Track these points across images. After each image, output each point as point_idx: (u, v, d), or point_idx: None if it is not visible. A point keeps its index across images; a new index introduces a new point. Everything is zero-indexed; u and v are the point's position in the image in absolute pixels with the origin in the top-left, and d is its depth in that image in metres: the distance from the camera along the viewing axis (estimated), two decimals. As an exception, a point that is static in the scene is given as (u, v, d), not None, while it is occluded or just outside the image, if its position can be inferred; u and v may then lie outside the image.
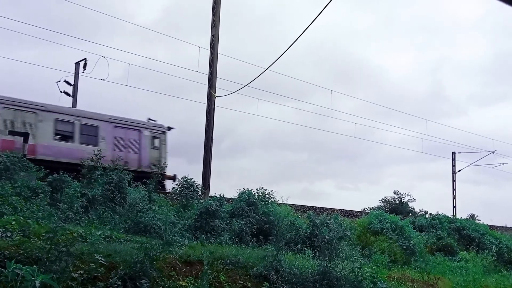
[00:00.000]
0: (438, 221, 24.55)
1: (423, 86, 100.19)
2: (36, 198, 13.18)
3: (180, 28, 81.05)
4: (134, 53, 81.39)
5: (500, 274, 19.27)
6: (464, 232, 23.78)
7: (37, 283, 5.21)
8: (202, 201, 16.70)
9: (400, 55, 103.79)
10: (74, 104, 29.38)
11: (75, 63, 30.22)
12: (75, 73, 30.19)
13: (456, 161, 52.20)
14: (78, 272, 8.37)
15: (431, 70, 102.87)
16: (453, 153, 52.19)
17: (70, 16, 74.29)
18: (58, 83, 30.10)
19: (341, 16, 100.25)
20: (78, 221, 12.36)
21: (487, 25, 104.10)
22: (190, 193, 17.37)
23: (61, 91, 30.24)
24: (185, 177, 17.96)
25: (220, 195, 16.49)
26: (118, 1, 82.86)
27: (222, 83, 22.89)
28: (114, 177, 15.32)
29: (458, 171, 52.29)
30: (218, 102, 20.70)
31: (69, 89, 30.31)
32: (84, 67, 29.59)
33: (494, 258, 21.21)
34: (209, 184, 19.80)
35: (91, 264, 8.69)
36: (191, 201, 17.00)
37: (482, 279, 16.50)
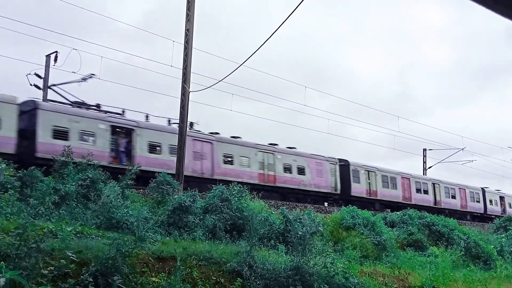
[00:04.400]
0: (408, 216, 24.90)
1: (392, 88, 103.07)
2: (5, 193, 12.88)
3: (160, 29, 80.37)
4: (110, 47, 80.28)
5: (468, 269, 19.66)
6: (434, 227, 24.17)
7: (2, 281, 5.07)
8: (175, 196, 16.56)
9: (371, 58, 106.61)
10: (44, 98, 28.75)
11: (46, 56, 29.47)
12: (45, 66, 29.53)
13: (427, 158, 53.23)
14: (49, 268, 8.24)
15: (399, 73, 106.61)
16: (424, 150, 53.17)
17: (47, 11, 72.83)
18: (28, 76, 29.45)
19: (316, 22, 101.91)
20: (48, 217, 12.13)
21: (450, 32, 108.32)
22: (167, 189, 17.25)
23: (31, 84, 29.58)
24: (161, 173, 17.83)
25: (193, 190, 16.39)
26: (100, 3, 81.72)
27: (198, 80, 22.76)
28: (89, 174, 15.15)
29: (429, 168, 53.31)
30: (193, 98, 20.57)
31: (40, 82, 29.71)
32: (55, 60, 28.98)
33: (463, 253, 21.65)
34: (182, 180, 19.64)
35: (61, 261, 8.56)
36: (166, 197, 16.87)
37: (451, 274, 16.79)
